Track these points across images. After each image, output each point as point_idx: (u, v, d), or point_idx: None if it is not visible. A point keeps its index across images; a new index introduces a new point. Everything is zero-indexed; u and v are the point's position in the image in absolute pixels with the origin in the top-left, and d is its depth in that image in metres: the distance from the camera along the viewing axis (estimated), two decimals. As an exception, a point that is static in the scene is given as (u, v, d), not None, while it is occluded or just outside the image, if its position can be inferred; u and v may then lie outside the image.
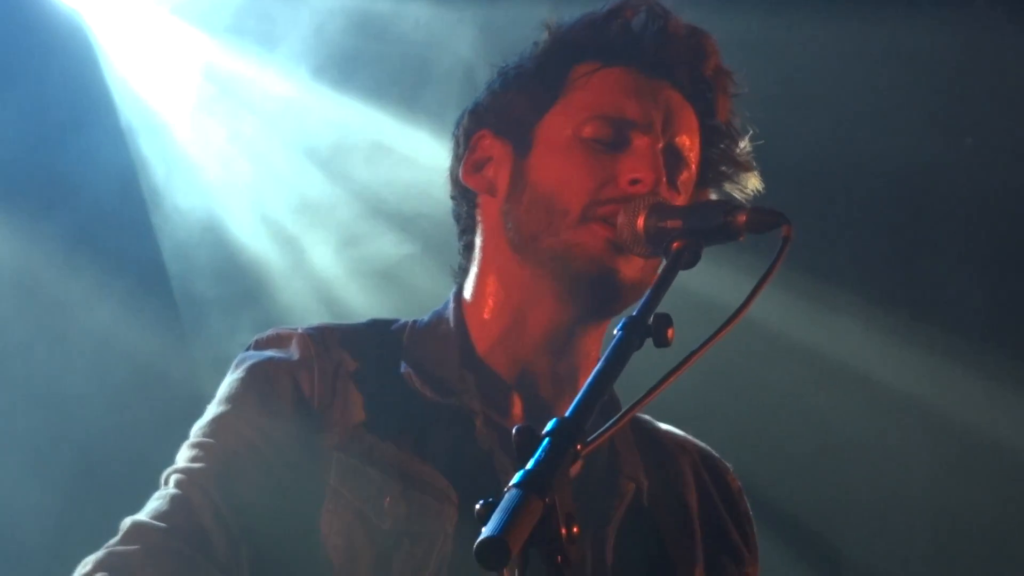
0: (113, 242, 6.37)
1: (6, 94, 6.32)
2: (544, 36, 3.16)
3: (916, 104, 6.01)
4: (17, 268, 6.26)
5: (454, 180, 3.23)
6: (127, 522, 2.90)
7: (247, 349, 3.14)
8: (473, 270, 3.19)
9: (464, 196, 3.21)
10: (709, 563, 3.18)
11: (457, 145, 3.23)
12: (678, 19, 3.11)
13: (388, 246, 6.22)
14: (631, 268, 2.97)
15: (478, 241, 3.19)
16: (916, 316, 6.32)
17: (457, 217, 3.26)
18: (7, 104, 6.28)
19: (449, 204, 3.31)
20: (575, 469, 2.30)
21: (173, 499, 2.91)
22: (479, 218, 3.19)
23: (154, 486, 3.01)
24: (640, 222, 2.88)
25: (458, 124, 3.25)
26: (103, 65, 6.65)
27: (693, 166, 3.10)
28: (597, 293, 3.01)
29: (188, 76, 6.66)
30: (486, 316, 3.14)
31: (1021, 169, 6.06)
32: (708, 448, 3.35)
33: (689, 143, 3.08)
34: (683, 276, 2.72)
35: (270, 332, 3.17)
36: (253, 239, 6.47)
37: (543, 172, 3.06)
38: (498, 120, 3.16)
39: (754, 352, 5.92)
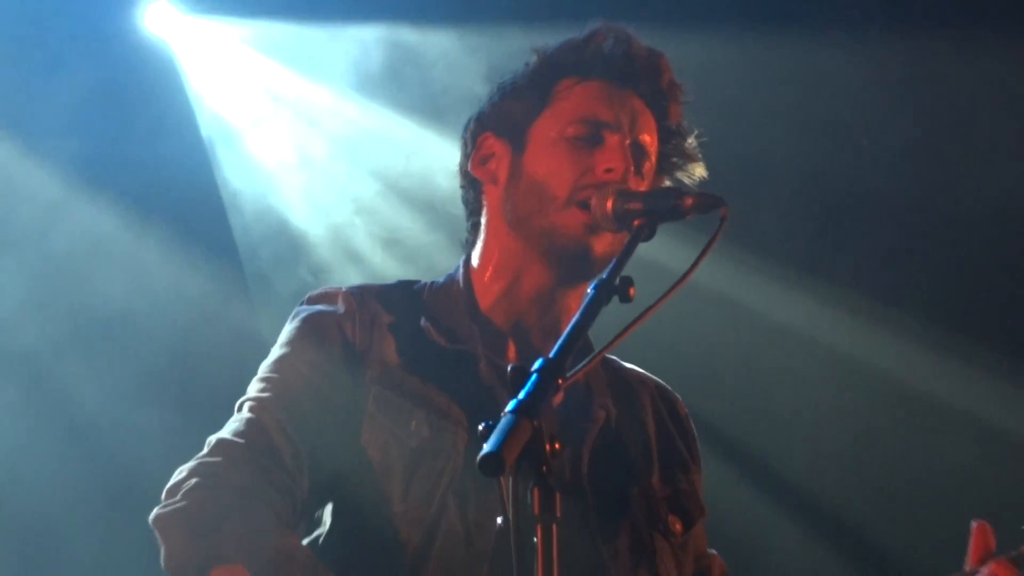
0: (192, 220, 6.34)
1: (108, 109, 6.27)
2: (533, 58, 3.22)
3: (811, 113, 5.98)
4: (126, 247, 6.24)
5: (464, 173, 3.29)
6: (212, 439, 2.97)
7: (301, 304, 3.20)
8: (478, 243, 3.24)
9: (472, 185, 3.27)
10: (664, 472, 3.22)
11: (465, 144, 3.28)
12: (639, 42, 3.18)
13: (406, 221, 6.26)
14: (602, 243, 3.03)
15: (482, 220, 3.24)
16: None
17: (465, 202, 3.31)
18: (110, 116, 6.28)
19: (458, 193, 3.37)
20: (557, 399, 2.34)
21: (248, 421, 2.98)
22: (484, 202, 3.25)
23: (225, 409, 3.10)
24: (609, 204, 2.95)
25: (466, 128, 3.30)
26: (186, 86, 6.62)
27: (653, 158, 3.15)
28: (575, 264, 3.07)
29: (255, 94, 6.69)
30: (488, 279, 3.20)
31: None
32: (663, 382, 3.39)
33: (650, 140, 3.14)
34: (643, 247, 2.80)
35: (320, 290, 3.22)
36: (305, 221, 6.49)
37: (535, 165, 3.13)
38: (499, 124, 3.22)
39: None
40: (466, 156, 3.27)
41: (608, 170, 3.04)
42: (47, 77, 6.08)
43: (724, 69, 5.47)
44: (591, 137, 3.10)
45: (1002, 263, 5.89)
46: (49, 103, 6.06)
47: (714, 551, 3.33)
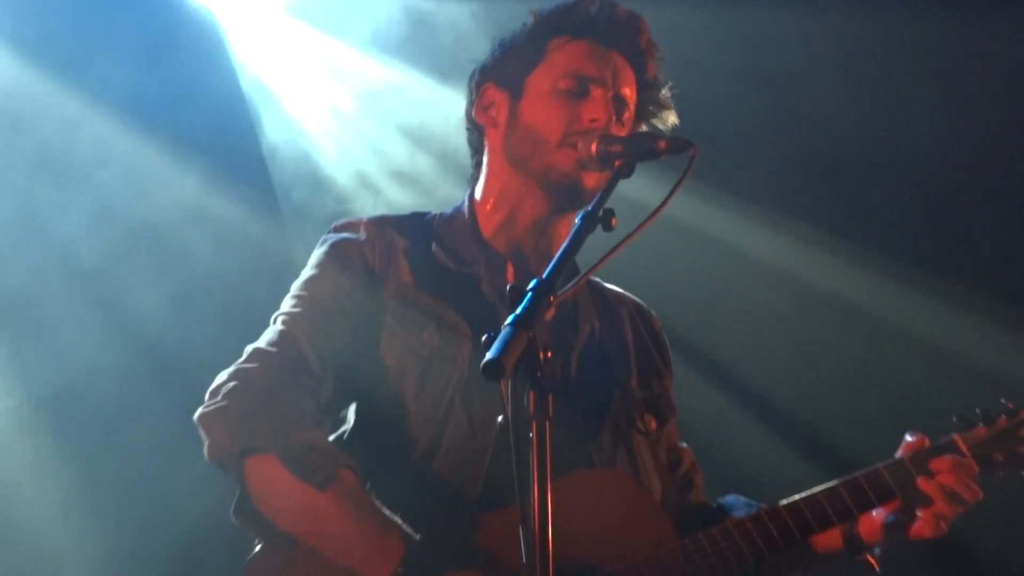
0: (233, 160, 6.24)
1: (161, 69, 6.09)
2: (530, 19, 3.27)
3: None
4: (173, 179, 6.13)
5: (469, 118, 3.33)
6: (249, 348, 3.03)
7: (328, 232, 3.25)
8: (481, 179, 3.29)
9: (476, 129, 3.31)
10: (640, 377, 3.29)
11: (470, 93, 3.32)
12: (621, 6, 3.23)
13: (422, 165, 6.28)
14: (590, 179, 3.08)
15: (485, 159, 3.29)
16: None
17: (470, 143, 3.36)
18: (163, 76, 6.19)
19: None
20: (550, 314, 2.39)
21: (280, 333, 3.05)
22: (486, 144, 3.29)
23: (262, 323, 3.16)
24: (593, 147, 3.02)
25: (471, 78, 3.34)
26: (230, 50, 6.45)
27: (632, 108, 3.20)
28: (568, 195, 3.12)
29: (293, 57, 6.60)
30: (490, 209, 3.25)
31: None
32: (640, 300, 3.44)
33: (629, 92, 3.19)
34: (624, 184, 2.84)
35: (344, 220, 3.27)
36: (333, 164, 6.49)
37: (531, 113, 3.18)
38: (499, 75, 3.26)
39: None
40: (471, 103, 3.30)
41: (593, 120, 3.08)
42: (106, 38, 6.01)
43: (700, 31, 5.46)
44: (579, 90, 3.14)
45: (944, 203, 5.86)
46: (108, 62, 5.96)
47: (685, 444, 3.40)
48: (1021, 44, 5.65)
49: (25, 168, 5.94)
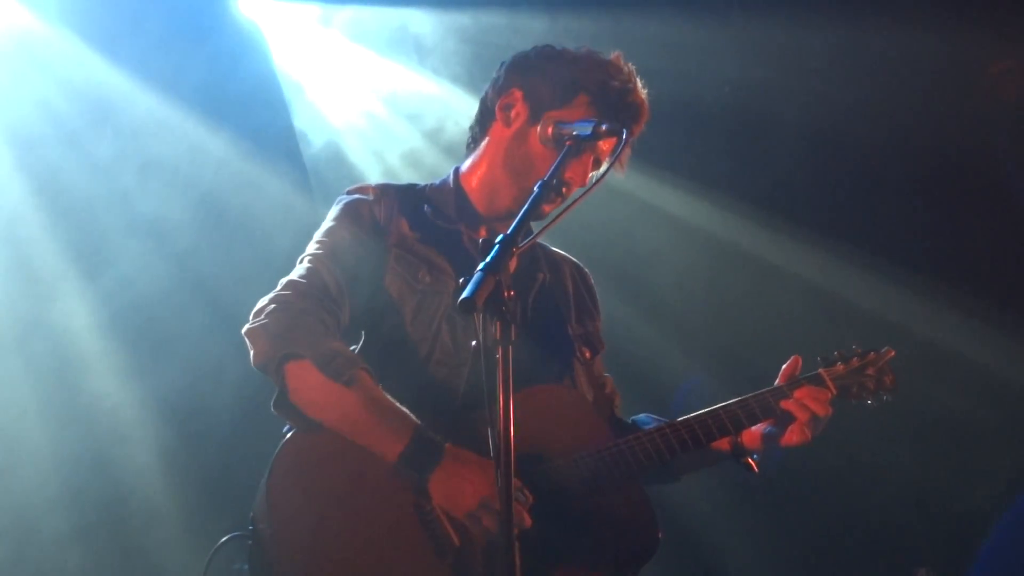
0: (271, 148, 6.19)
1: (214, 71, 5.71)
2: (571, 59, 3.12)
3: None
4: (217, 158, 5.77)
5: (486, 102, 3.22)
6: (283, 280, 3.08)
7: (344, 194, 3.27)
8: (473, 157, 3.26)
9: (487, 113, 3.21)
10: (578, 317, 3.36)
11: (497, 80, 3.21)
12: (639, 91, 3.09)
13: (427, 154, 6.21)
14: (551, 206, 3.03)
15: (483, 144, 3.23)
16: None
17: (477, 121, 3.25)
18: (214, 77, 5.94)
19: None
20: (512, 264, 2.48)
21: (307, 268, 3.09)
22: (489, 132, 3.22)
23: (291, 264, 3.14)
24: (549, 131, 2.98)
25: (502, 70, 3.22)
26: (272, 57, 6.09)
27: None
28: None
29: (329, 63, 6.48)
30: (473, 185, 3.24)
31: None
32: (577, 260, 3.48)
33: (606, 148, 3.07)
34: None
35: (356, 185, 3.31)
36: (356, 151, 6.45)
37: (535, 145, 3.08)
38: (529, 89, 3.14)
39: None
40: (495, 92, 3.20)
41: (570, 178, 3.05)
42: (169, 45, 5.75)
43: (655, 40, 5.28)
44: (575, 150, 2.99)
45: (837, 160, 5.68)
46: (169, 64, 5.74)
47: (608, 374, 3.50)
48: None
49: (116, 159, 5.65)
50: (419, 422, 2.88)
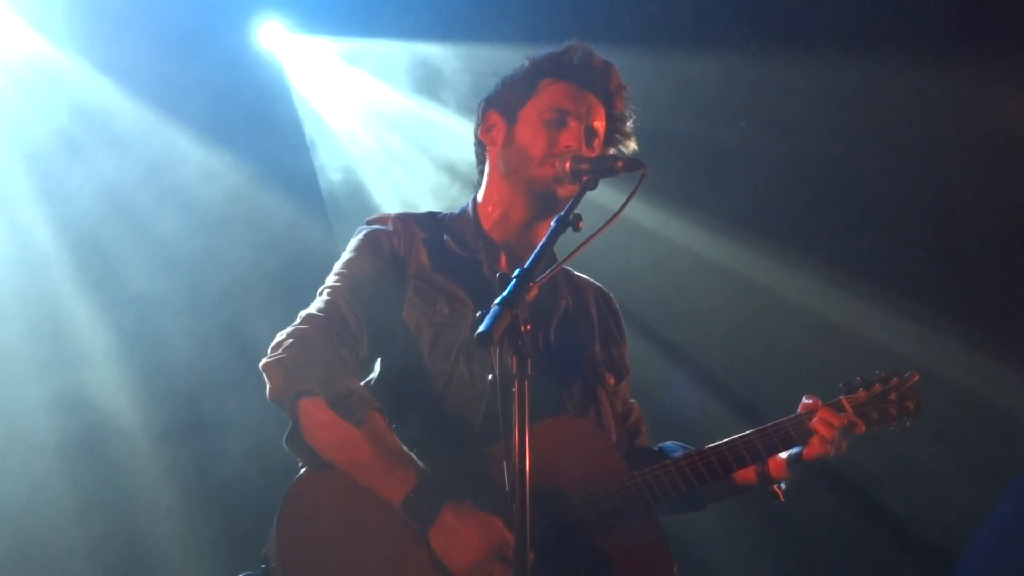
0: (291, 179, 6.07)
1: (238, 108, 5.83)
2: (526, 62, 3.30)
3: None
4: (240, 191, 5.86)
5: (476, 137, 3.37)
6: (302, 313, 3.08)
7: (364, 224, 3.29)
8: (483, 186, 3.33)
9: (480, 145, 3.35)
10: (602, 344, 3.35)
11: (478, 117, 3.36)
12: (598, 56, 3.27)
13: (445, 187, 6.23)
14: (563, 190, 3.13)
15: (486, 170, 3.33)
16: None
17: (476, 157, 3.38)
18: (242, 114, 5.86)
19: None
20: (531, 295, 2.47)
21: (326, 301, 3.10)
22: (487, 158, 3.33)
23: (311, 295, 3.16)
24: (567, 165, 3.06)
25: (479, 106, 3.37)
26: (292, 91, 6.16)
27: (602, 136, 3.26)
28: (545, 201, 3.16)
29: (346, 98, 6.39)
30: (489, 210, 3.28)
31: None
32: (602, 285, 3.49)
33: (599, 124, 3.26)
34: (591, 195, 2.83)
35: (376, 215, 3.32)
36: (373, 181, 6.47)
37: (522, 136, 3.21)
38: (500, 104, 3.29)
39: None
40: (477, 125, 3.38)
41: (567, 145, 3.17)
42: (185, 78, 5.73)
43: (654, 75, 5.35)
44: (559, 121, 3.19)
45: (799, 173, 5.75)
46: (186, 99, 5.73)
47: (635, 400, 3.49)
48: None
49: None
50: (426, 469, 2.84)
